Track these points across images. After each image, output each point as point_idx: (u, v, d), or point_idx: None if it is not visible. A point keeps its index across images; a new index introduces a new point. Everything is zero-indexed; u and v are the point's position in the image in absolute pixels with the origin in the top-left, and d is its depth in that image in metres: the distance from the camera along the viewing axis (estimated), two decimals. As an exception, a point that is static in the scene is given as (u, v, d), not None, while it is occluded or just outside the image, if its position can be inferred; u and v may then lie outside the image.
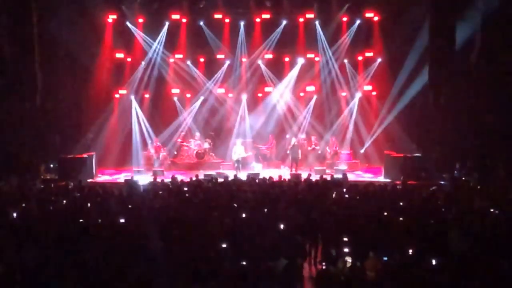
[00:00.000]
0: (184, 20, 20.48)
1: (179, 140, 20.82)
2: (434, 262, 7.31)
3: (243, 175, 16.72)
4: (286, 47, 20.89)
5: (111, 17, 20.05)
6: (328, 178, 15.46)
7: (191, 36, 20.77)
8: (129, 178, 16.62)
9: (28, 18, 18.13)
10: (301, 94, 21.42)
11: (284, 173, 17.81)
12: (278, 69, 21.34)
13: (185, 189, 13.23)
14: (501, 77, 17.25)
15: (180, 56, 20.86)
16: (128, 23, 20.28)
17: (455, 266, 7.18)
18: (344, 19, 20.50)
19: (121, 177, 18.01)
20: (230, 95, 21.47)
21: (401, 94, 19.57)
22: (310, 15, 20.37)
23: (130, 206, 11.02)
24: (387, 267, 7.41)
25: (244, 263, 7.26)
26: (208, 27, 20.59)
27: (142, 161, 20.03)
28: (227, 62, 21.07)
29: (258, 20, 20.59)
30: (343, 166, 19.22)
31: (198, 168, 19.32)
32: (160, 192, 12.67)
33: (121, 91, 20.77)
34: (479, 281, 6.73)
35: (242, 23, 20.71)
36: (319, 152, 20.11)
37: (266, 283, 6.79)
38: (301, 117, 21.08)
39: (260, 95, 21.64)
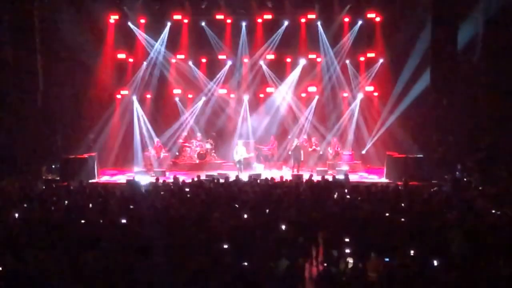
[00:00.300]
0: (185, 21, 20.50)
1: (181, 140, 20.84)
2: (435, 263, 7.31)
3: (244, 176, 16.72)
4: (288, 47, 20.83)
5: (113, 18, 20.09)
6: (330, 179, 15.45)
7: (193, 36, 20.80)
8: (131, 178, 16.62)
9: (30, 19, 18.19)
10: (303, 94, 21.37)
11: (285, 174, 17.81)
12: (280, 70, 21.28)
13: (187, 189, 13.24)
14: (503, 78, 17.22)
15: (182, 56, 20.87)
16: (130, 24, 20.30)
17: (456, 267, 7.17)
18: (346, 19, 20.42)
19: (122, 178, 18.02)
20: (232, 95, 21.46)
21: (403, 95, 19.49)
22: (312, 16, 20.31)
23: (131, 207, 11.03)
24: (389, 268, 7.39)
25: (246, 263, 7.25)
26: (210, 28, 20.60)
27: (144, 161, 20.06)
28: (229, 63, 21.07)
29: (259, 20, 20.57)
30: (344, 167, 19.18)
31: (200, 169, 19.26)
32: (162, 193, 12.68)
33: (122, 92, 20.77)
34: (481, 282, 6.72)
35: (243, 24, 20.70)
36: (320, 153, 20.08)
37: (267, 283, 6.79)
38: (302, 118, 21.06)
39: (262, 95, 21.58)
